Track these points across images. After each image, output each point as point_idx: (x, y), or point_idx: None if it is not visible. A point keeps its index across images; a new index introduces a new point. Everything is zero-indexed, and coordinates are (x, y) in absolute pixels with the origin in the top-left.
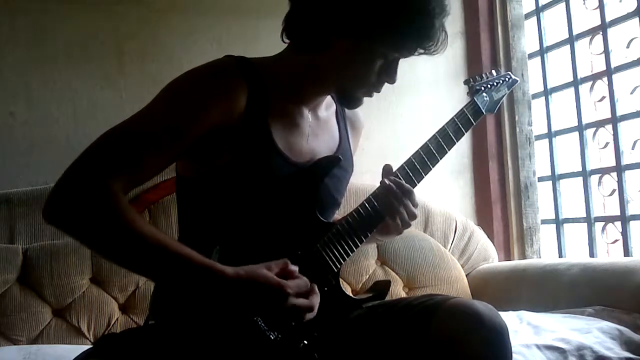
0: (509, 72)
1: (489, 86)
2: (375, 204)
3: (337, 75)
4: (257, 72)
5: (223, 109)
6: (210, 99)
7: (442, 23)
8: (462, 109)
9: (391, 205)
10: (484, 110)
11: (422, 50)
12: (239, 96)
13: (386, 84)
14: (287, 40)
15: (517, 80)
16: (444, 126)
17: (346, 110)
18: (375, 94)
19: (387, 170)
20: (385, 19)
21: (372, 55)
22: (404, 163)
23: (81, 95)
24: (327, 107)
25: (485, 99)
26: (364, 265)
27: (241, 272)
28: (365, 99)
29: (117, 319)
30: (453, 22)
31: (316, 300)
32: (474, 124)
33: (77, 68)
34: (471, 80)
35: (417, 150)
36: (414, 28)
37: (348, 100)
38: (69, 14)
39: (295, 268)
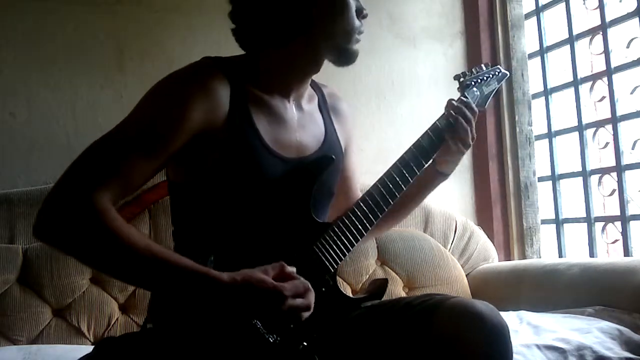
0: (499, 66)
1: (479, 81)
2: (371, 202)
3: (329, 39)
4: (237, 70)
5: (207, 108)
6: (193, 100)
7: None
8: None
9: (460, 123)
10: (474, 106)
11: None
12: (221, 95)
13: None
14: (249, 47)
15: (506, 74)
16: (435, 122)
17: (327, 100)
18: (375, 97)
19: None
20: None
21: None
22: (398, 160)
23: (81, 95)
24: (310, 99)
25: (475, 93)
26: (363, 265)
27: (237, 277)
28: (365, 100)
29: (117, 319)
30: (453, 22)
31: (312, 297)
32: None
33: (77, 68)
34: (461, 76)
35: (410, 147)
36: None
37: (346, 56)
38: (69, 14)
39: (292, 269)
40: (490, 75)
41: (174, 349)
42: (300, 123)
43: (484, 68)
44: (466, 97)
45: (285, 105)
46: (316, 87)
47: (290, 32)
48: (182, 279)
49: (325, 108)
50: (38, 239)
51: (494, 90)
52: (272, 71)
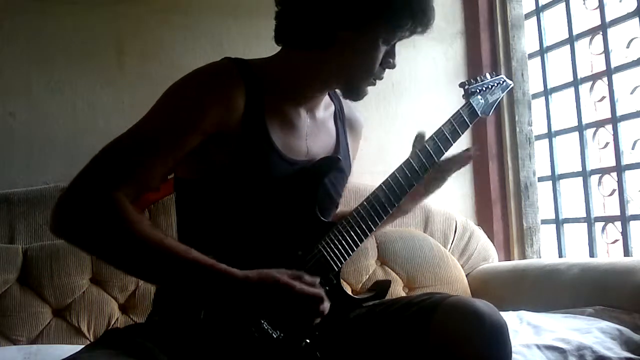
0: (503, 76)
1: (484, 89)
2: (374, 201)
3: (344, 68)
4: (255, 74)
5: (222, 110)
6: (209, 101)
7: None
8: (459, 110)
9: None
10: (479, 113)
11: (419, 28)
12: (237, 97)
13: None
14: (280, 42)
15: (510, 85)
16: (440, 128)
17: (345, 112)
18: (375, 98)
19: (420, 135)
20: (383, 3)
21: (376, 42)
22: (403, 163)
23: (81, 95)
24: (325, 108)
25: (480, 101)
26: (364, 265)
27: (251, 275)
28: (364, 100)
29: (117, 319)
30: (453, 22)
31: (326, 305)
32: (470, 125)
33: (77, 68)
34: (466, 83)
35: (416, 152)
36: (410, 6)
37: (355, 92)
38: (69, 14)
39: (314, 279)
40: (495, 84)
41: (177, 339)
42: (311, 131)
43: (488, 77)
44: (470, 104)
45: (299, 112)
46: (334, 97)
47: (308, 39)
48: (197, 275)
49: (342, 119)
50: (55, 235)
51: (498, 99)
52: (287, 76)
